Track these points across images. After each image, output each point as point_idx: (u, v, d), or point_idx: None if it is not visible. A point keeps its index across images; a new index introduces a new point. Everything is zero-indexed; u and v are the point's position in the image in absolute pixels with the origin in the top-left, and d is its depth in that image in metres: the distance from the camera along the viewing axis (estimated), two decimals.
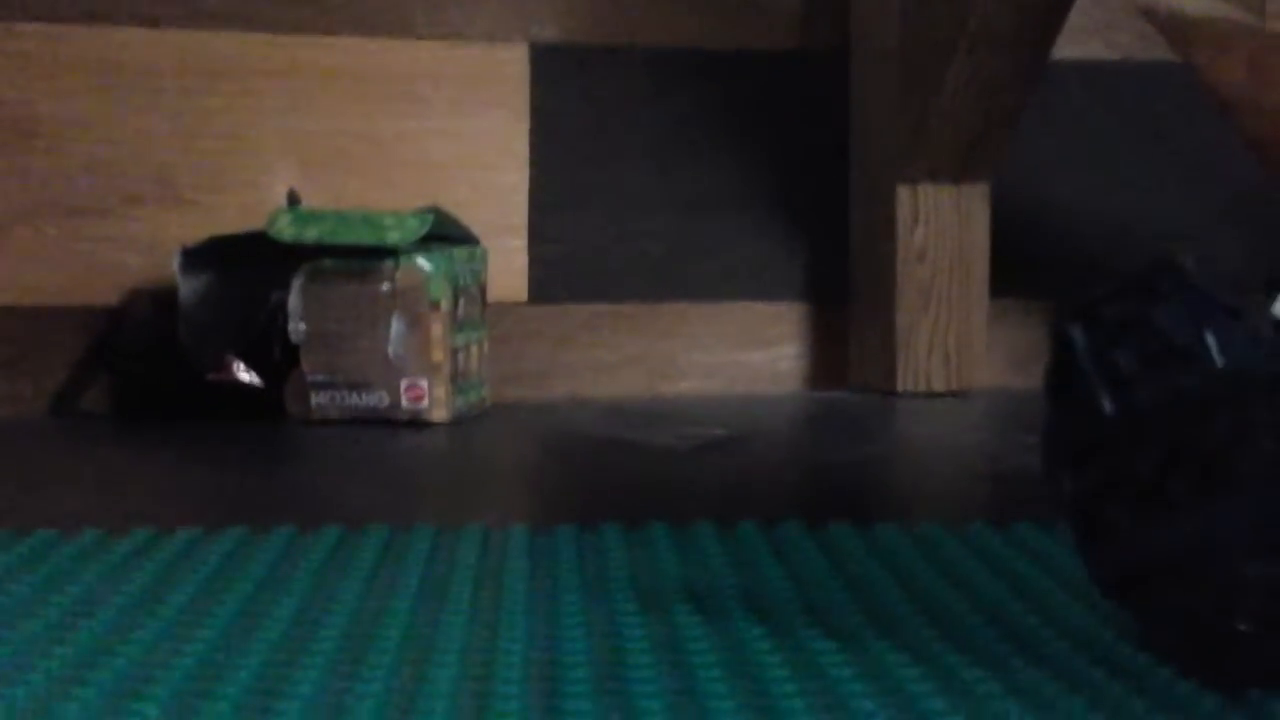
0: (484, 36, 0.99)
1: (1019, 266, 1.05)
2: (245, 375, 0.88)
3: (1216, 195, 1.08)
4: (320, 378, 0.87)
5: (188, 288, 0.89)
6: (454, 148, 0.99)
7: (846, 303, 1.04)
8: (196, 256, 0.89)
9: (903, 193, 0.99)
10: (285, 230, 0.87)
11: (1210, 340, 0.41)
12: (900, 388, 0.99)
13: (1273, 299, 0.49)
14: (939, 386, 1.00)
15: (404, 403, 0.86)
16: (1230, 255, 1.07)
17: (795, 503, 0.65)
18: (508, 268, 0.99)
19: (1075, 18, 0.98)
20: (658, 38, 1.02)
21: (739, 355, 1.04)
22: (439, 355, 0.86)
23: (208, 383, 0.87)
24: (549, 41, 1.00)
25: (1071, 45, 1.05)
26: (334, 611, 0.45)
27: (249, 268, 0.88)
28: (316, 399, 0.87)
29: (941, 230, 1.00)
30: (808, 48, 1.04)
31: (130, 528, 0.57)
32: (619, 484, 0.69)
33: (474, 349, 0.91)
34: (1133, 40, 1.07)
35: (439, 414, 0.86)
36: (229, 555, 0.53)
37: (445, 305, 0.87)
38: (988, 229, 1.01)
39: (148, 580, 0.49)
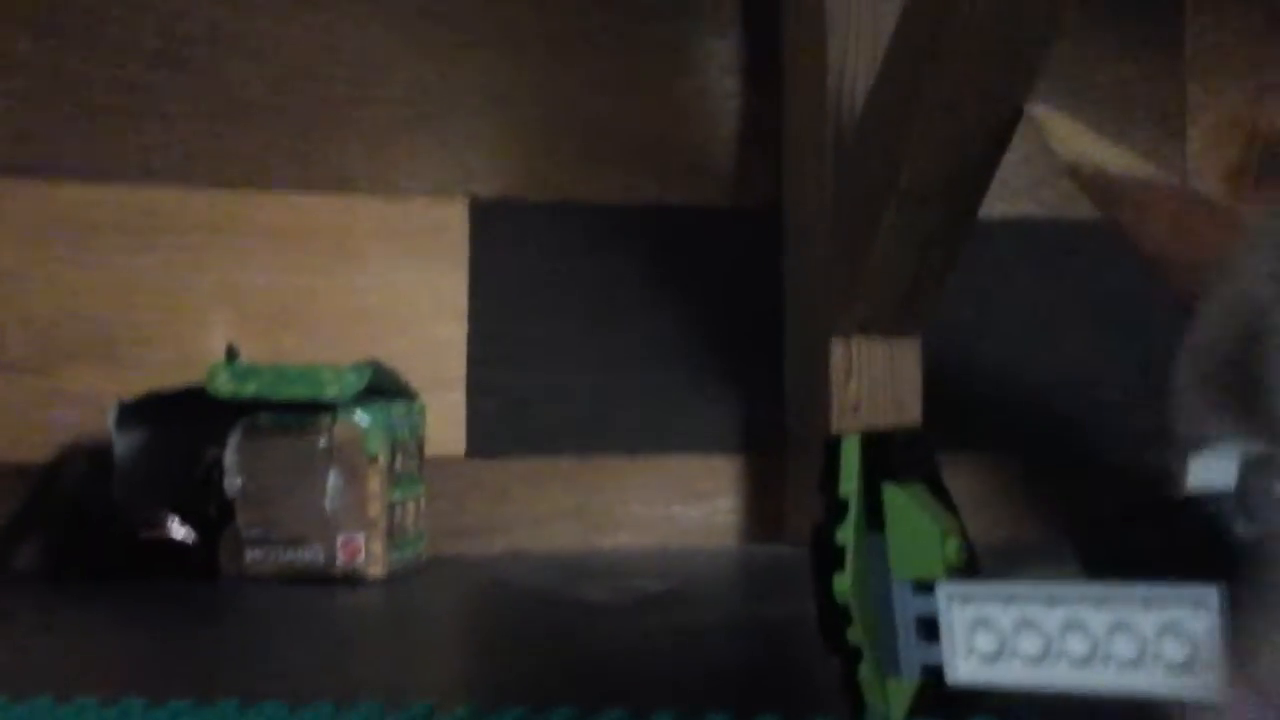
0: (424, 192, 1.01)
1: (951, 419, 1.06)
2: (179, 532, 0.87)
3: (1144, 350, 1.10)
4: (255, 533, 0.86)
5: (123, 444, 0.88)
6: (393, 302, 1.00)
7: (782, 456, 1.05)
8: (132, 412, 0.89)
9: (837, 346, 1.00)
10: (223, 385, 0.87)
11: None
12: None
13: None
14: None
15: (340, 559, 0.86)
16: (1157, 409, 1.09)
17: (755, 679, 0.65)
18: (446, 422, 0.99)
19: (1003, 176, 1.00)
20: (596, 194, 1.04)
21: (675, 508, 1.04)
22: (376, 510, 0.86)
23: (141, 540, 0.87)
24: (489, 197, 1.02)
25: (1000, 202, 1.07)
26: None
27: (186, 423, 0.88)
28: (251, 555, 0.86)
29: (875, 383, 1.01)
30: (742, 204, 1.06)
31: (71, 694, 0.56)
32: (563, 645, 0.69)
33: (411, 504, 0.91)
34: (1059, 199, 1.09)
35: (375, 570, 0.86)
36: None
37: (383, 460, 0.87)
38: (920, 382, 1.02)
39: None
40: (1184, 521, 0.44)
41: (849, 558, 0.48)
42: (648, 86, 1.05)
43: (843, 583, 0.47)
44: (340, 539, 0.86)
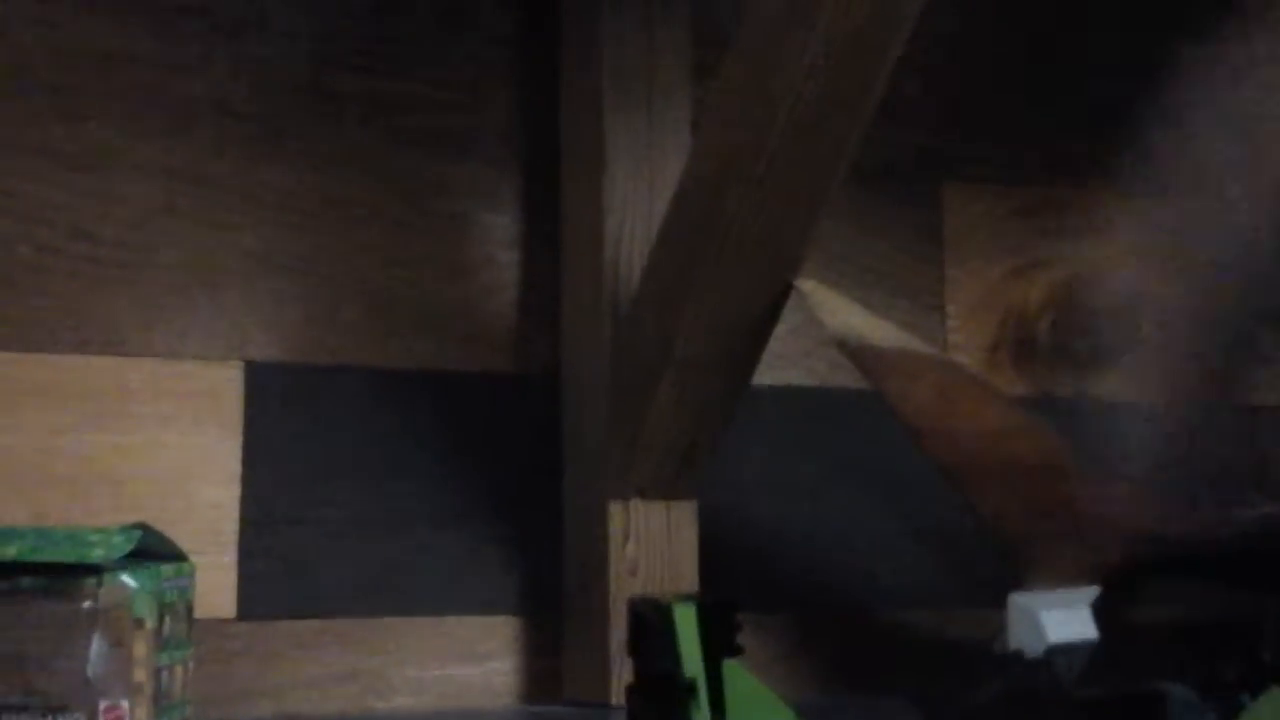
0: (198, 354, 1.00)
1: (725, 580, 1.08)
2: None
3: (910, 515, 1.13)
4: (12, 701, 0.83)
5: None
6: (164, 464, 0.98)
7: (560, 616, 1.05)
8: None
9: (614, 509, 1.02)
10: None
11: None
12: (614, 700, 1.00)
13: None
14: None
15: None
16: (925, 572, 1.12)
17: None
18: (216, 584, 0.97)
19: (774, 346, 1.03)
20: (374, 358, 1.04)
21: (452, 670, 1.03)
22: (141, 675, 0.84)
23: None
24: (265, 359, 1.01)
25: (771, 371, 1.10)
26: None
27: None
28: None
29: (652, 546, 1.02)
30: (522, 370, 1.07)
31: None
32: None
33: (179, 668, 0.88)
34: (828, 368, 1.13)
35: None
36: None
37: (150, 623, 0.84)
38: (696, 545, 1.04)
39: None
40: (1025, 679, 0.42)
41: None
42: (428, 255, 1.06)
43: None
44: (103, 706, 0.83)
